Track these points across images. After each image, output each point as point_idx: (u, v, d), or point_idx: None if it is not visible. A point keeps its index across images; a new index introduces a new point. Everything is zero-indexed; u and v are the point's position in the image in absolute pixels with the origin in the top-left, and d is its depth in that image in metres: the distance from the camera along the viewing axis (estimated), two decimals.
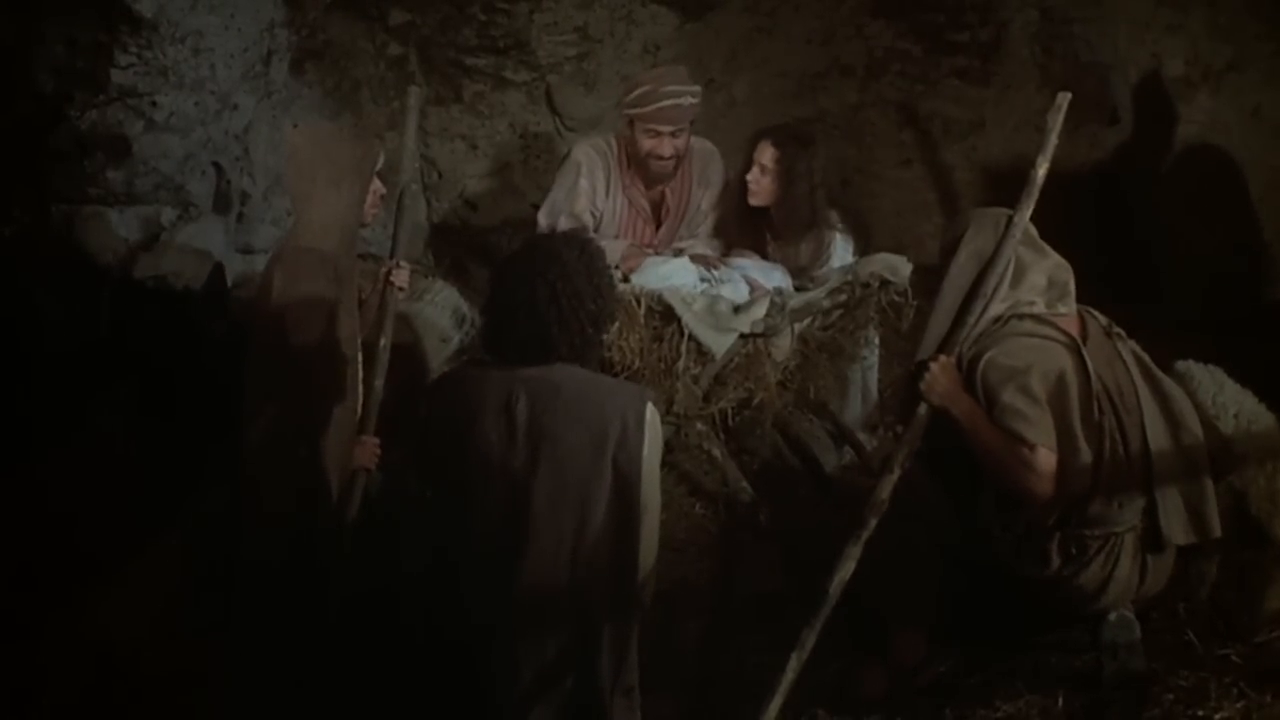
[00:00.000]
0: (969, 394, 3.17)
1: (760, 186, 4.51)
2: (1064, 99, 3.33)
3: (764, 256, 4.63)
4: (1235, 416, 3.44)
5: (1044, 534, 3.19)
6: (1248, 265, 5.05)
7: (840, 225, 4.61)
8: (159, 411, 4.20)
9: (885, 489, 3.17)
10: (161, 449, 4.07)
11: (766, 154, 4.49)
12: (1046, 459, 3.07)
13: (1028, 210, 3.27)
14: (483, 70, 5.46)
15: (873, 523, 3.14)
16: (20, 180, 4.52)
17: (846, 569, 3.12)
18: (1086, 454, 3.13)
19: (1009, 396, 3.10)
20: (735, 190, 4.62)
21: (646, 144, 4.44)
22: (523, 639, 2.71)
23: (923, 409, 3.22)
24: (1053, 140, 3.32)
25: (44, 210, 4.56)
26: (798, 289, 4.51)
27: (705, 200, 4.69)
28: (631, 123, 4.45)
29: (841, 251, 4.57)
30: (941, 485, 3.29)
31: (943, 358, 3.22)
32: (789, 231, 4.57)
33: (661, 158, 4.46)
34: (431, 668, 2.80)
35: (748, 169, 4.53)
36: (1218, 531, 3.25)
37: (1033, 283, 3.24)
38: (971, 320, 3.22)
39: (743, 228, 4.66)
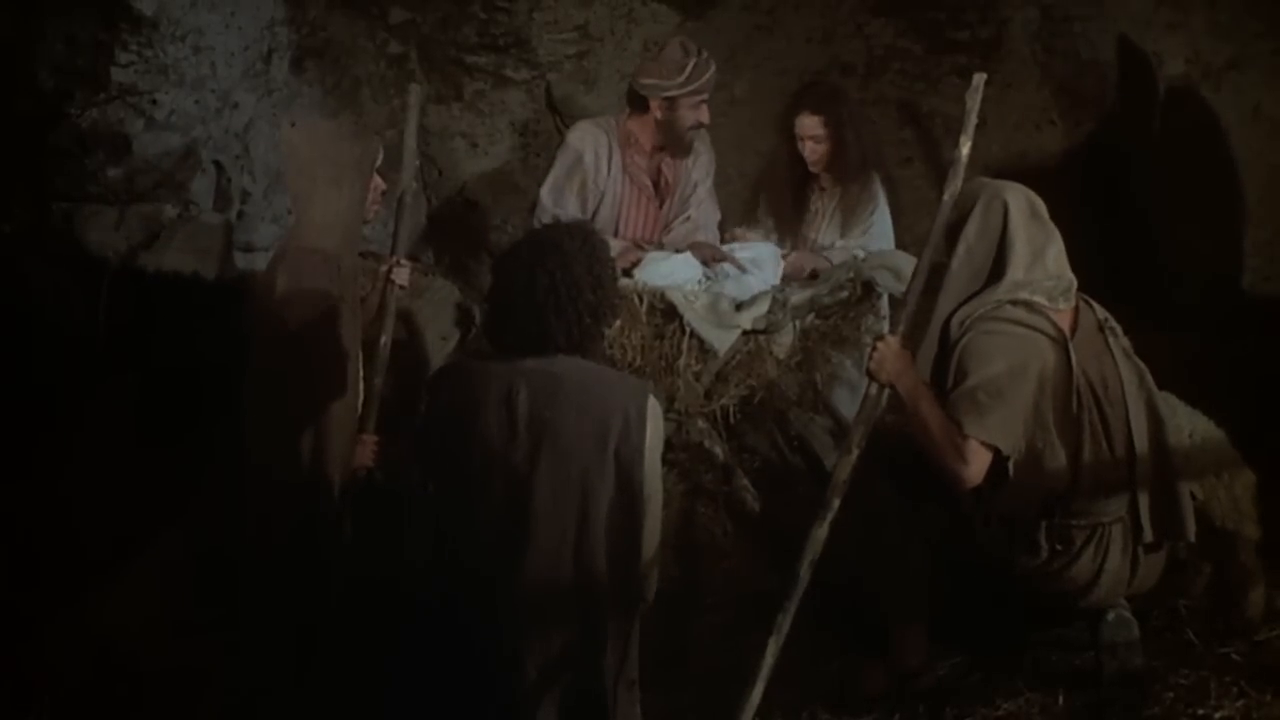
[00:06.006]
0: (945, 366, 3.20)
1: (819, 155, 4.62)
2: (979, 80, 3.36)
3: (807, 210, 4.72)
4: (1190, 436, 3.48)
5: (1029, 524, 3.20)
6: (1248, 263, 5.05)
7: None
8: (160, 409, 4.20)
9: (844, 470, 3.19)
10: (163, 447, 4.07)
11: (813, 124, 4.59)
12: (977, 451, 3.09)
13: (956, 186, 3.29)
14: (483, 68, 5.46)
15: (835, 503, 3.16)
16: (20, 178, 4.52)
17: (814, 551, 3.13)
18: (1060, 451, 3.16)
19: (972, 381, 3.12)
20: (784, 159, 4.71)
21: (692, 116, 4.52)
22: (526, 632, 2.72)
23: (873, 388, 3.25)
24: (973, 120, 3.34)
25: (44, 208, 4.56)
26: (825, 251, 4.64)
27: (697, 172, 4.73)
28: (674, 103, 4.49)
29: (881, 203, 4.67)
30: (928, 479, 3.28)
31: (889, 337, 3.26)
32: (844, 181, 4.67)
33: (704, 123, 4.57)
34: (434, 662, 2.80)
35: (790, 144, 4.63)
36: (1191, 535, 3.27)
37: (1046, 265, 3.23)
38: (912, 302, 3.26)
39: (795, 195, 4.76)
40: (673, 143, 4.60)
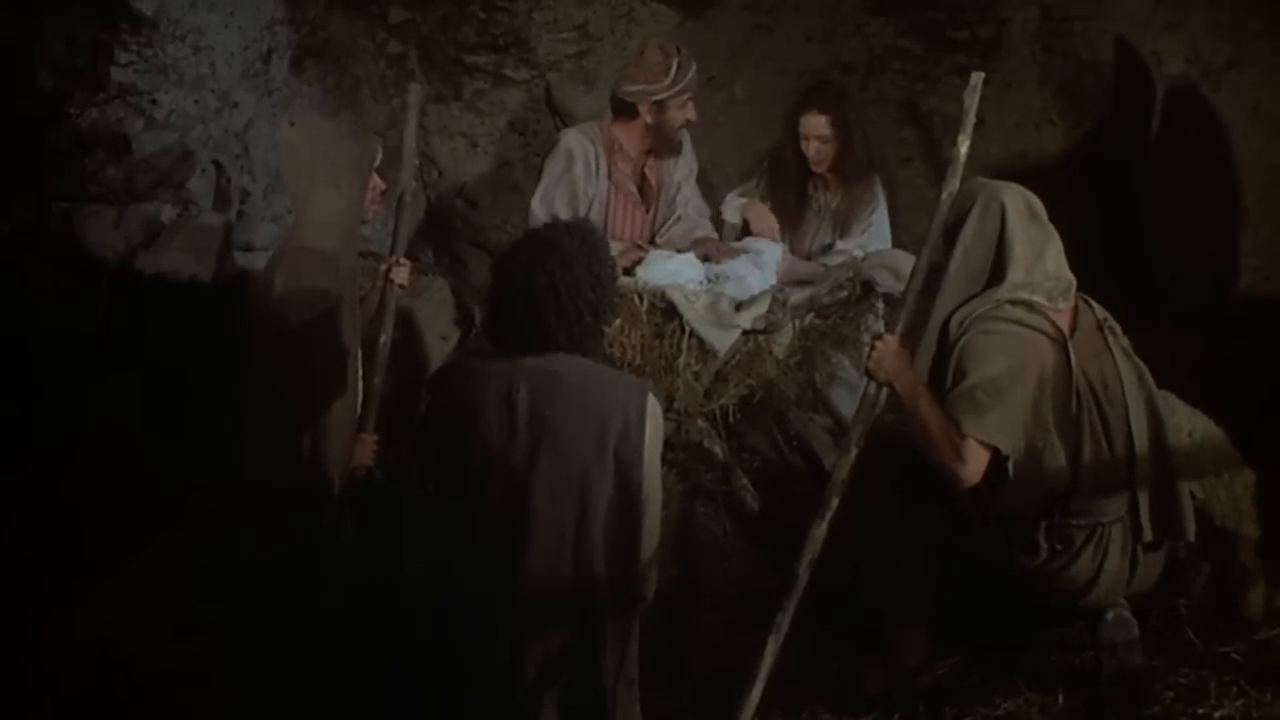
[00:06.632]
0: (943, 366, 3.19)
1: (823, 155, 4.61)
2: (978, 78, 3.36)
3: (807, 208, 4.72)
4: (1190, 435, 3.49)
5: (1029, 524, 3.20)
6: (1247, 262, 5.05)
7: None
8: (160, 409, 4.20)
9: (843, 469, 3.19)
10: (163, 446, 4.07)
11: (819, 123, 4.57)
12: (975, 451, 3.08)
13: (954, 185, 3.30)
14: (483, 68, 5.46)
15: (834, 503, 3.16)
16: (20, 178, 4.52)
17: (813, 550, 3.14)
18: (1060, 451, 3.15)
19: (971, 381, 3.11)
20: (788, 157, 4.68)
21: (681, 116, 4.55)
22: (526, 631, 2.72)
23: (872, 387, 3.25)
24: (971, 118, 3.34)
25: (44, 208, 4.56)
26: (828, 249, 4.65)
27: (679, 172, 4.76)
28: (663, 106, 4.51)
29: (881, 204, 4.67)
30: (927, 478, 3.28)
31: (888, 336, 3.27)
32: (847, 181, 4.67)
33: (692, 120, 4.60)
34: (434, 661, 2.80)
35: (795, 142, 4.61)
36: (1191, 535, 3.27)
37: (1046, 266, 3.23)
38: (911, 301, 3.27)
39: (796, 192, 4.74)
40: (663, 143, 4.63)
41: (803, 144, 4.60)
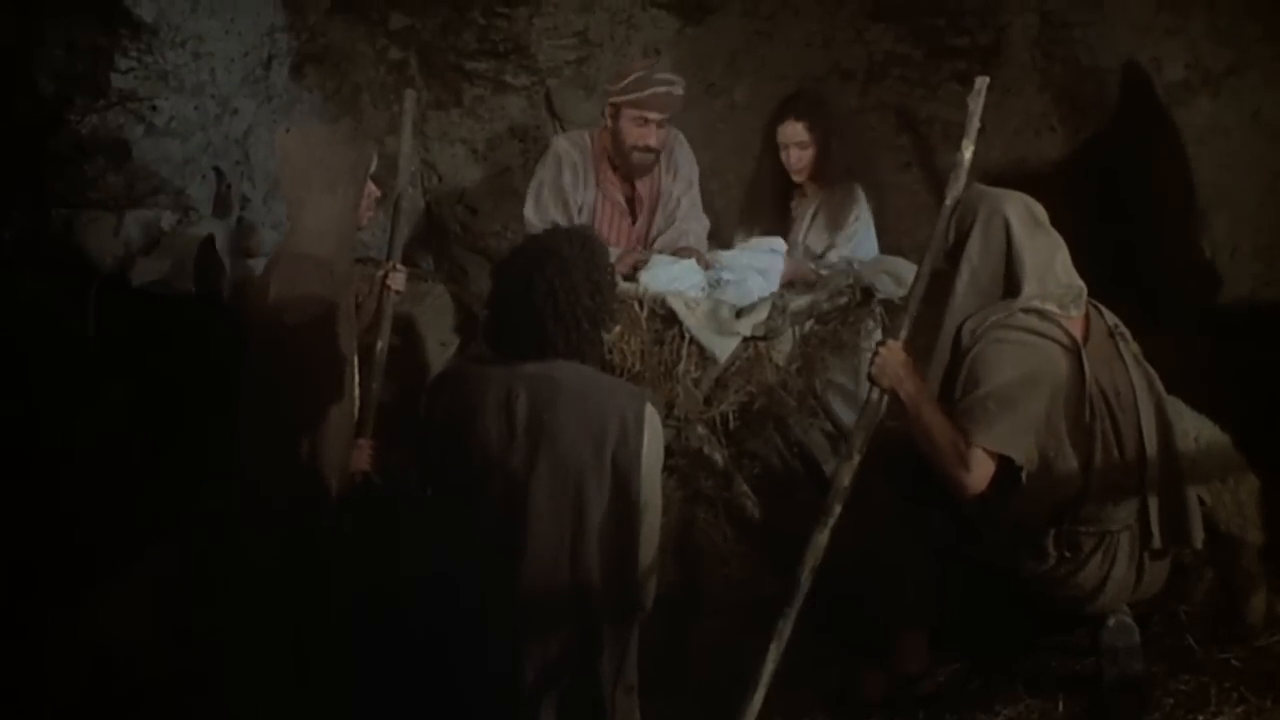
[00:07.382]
0: (954, 376, 3.19)
1: (803, 163, 4.60)
2: (982, 83, 3.37)
3: (790, 218, 4.71)
4: (1195, 440, 3.48)
5: (1037, 530, 3.19)
6: (1248, 268, 5.05)
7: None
8: (158, 413, 4.20)
9: (845, 475, 3.18)
10: (161, 451, 4.07)
11: (796, 130, 4.57)
12: (980, 459, 3.07)
13: (957, 190, 3.31)
14: (483, 74, 5.47)
15: (837, 509, 3.16)
16: (20, 184, 4.52)
17: (815, 556, 3.14)
18: (1072, 459, 3.14)
19: (983, 390, 3.10)
20: (768, 170, 4.68)
21: (634, 134, 4.40)
22: (524, 636, 2.72)
23: (875, 393, 3.24)
24: (975, 123, 3.37)
25: (44, 214, 4.56)
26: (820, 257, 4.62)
27: (677, 187, 4.68)
28: (618, 112, 4.41)
29: (865, 212, 4.65)
30: (930, 484, 3.27)
31: (891, 342, 3.26)
32: (826, 188, 4.66)
33: (648, 148, 4.43)
34: (432, 666, 2.80)
35: (774, 154, 4.61)
36: (1199, 541, 3.26)
37: (1056, 274, 3.22)
38: (914, 306, 3.28)
39: (774, 200, 4.74)
40: (620, 157, 4.49)
41: (782, 154, 4.59)
